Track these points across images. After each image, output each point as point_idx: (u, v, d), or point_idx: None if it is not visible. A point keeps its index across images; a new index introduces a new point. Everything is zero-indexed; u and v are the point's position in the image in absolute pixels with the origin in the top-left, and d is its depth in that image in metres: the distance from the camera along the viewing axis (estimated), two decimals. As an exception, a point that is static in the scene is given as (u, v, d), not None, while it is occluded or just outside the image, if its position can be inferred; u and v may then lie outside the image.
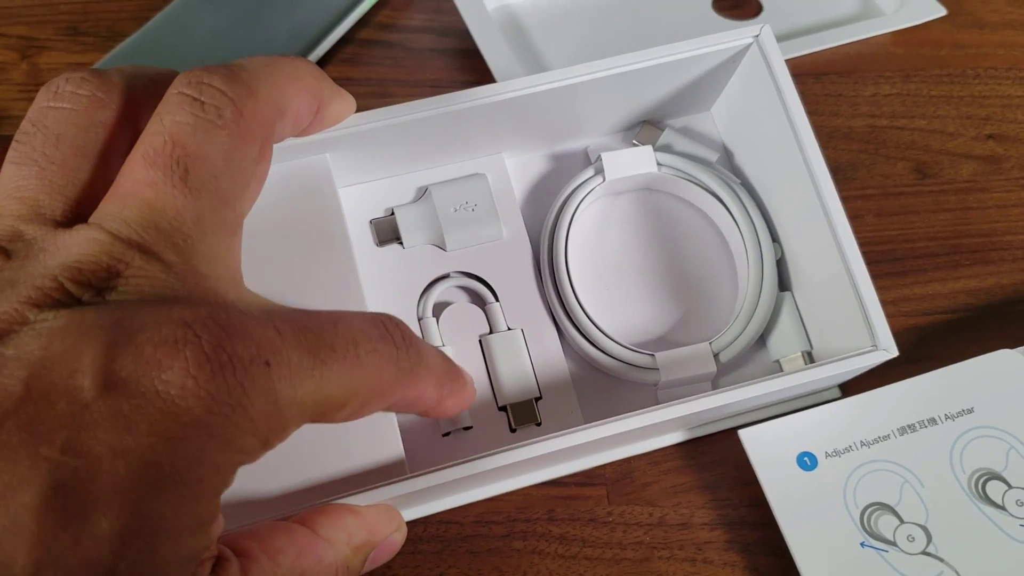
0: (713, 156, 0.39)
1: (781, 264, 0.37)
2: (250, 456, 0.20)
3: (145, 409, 0.18)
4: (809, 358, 0.36)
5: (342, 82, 0.49)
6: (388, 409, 0.24)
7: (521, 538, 0.34)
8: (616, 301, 0.38)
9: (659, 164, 0.38)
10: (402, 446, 0.31)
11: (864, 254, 0.41)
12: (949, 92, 0.48)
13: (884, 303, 0.40)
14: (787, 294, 0.37)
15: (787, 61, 0.49)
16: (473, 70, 0.49)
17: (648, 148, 0.38)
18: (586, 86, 0.35)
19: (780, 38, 0.51)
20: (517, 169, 0.39)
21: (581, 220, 0.39)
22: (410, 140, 0.35)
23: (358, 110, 0.31)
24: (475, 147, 0.38)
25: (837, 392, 0.37)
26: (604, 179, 0.38)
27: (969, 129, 0.47)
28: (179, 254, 0.21)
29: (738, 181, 0.38)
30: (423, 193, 0.37)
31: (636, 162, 0.38)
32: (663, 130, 0.39)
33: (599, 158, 0.38)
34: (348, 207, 0.37)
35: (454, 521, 0.34)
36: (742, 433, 0.34)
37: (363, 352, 0.22)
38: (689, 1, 0.53)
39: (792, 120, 0.34)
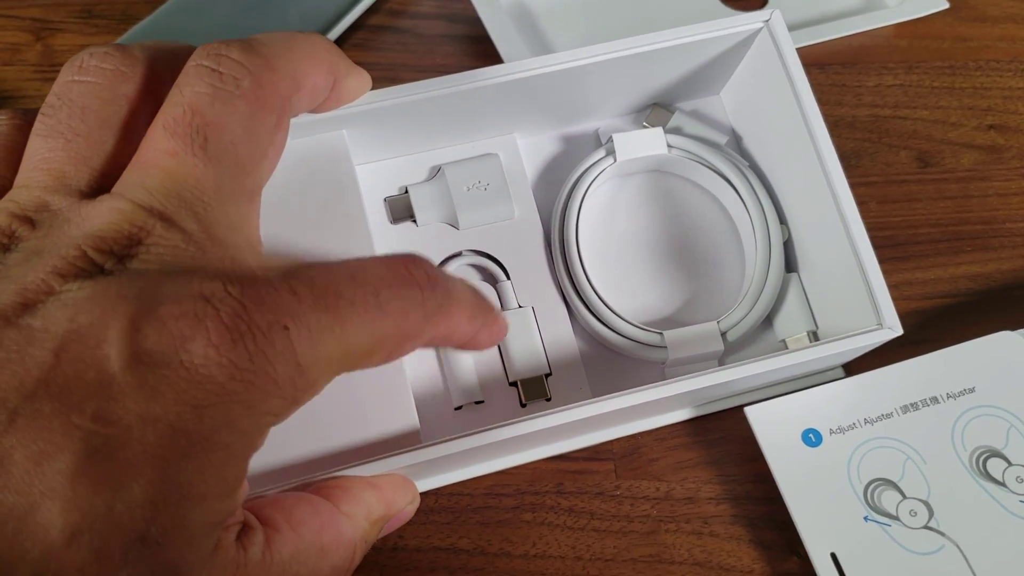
0: (722, 139, 0.40)
1: (788, 246, 0.38)
2: (278, 416, 0.21)
3: (171, 379, 0.19)
4: (814, 338, 0.37)
5: (353, 67, 0.50)
6: (425, 346, 0.24)
7: (530, 510, 0.35)
8: (625, 280, 0.38)
9: (669, 146, 0.39)
10: (417, 417, 0.31)
11: (867, 240, 0.42)
12: (951, 83, 0.49)
13: (887, 287, 0.41)
14: (793, 275, 0.37)
15: (792, 51, 0.50)
16: (483, 56, 0.50)
17: (659, 130, 0.39)
18: (596, 67, 0.35)
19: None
20: (529, 150, 0.40)
21: (592, 200, 0.39)
22: (423, 119, 0.36)
23: (371, 92, 0.31)
24: (488, 127, 0.38)
25: (841, 372, 0.38)
26: (615, 160, 0.38)
27: (971, 120, 0.47)
28: (199, 222, 0.22)
29: (747, 164, 0.39)
30: (436, 172, 0.38)
31: (647, 144, 0.38)
32: (673, 113, 0.40)
33: (610, 139, 0.38)
34: (363, 184, 0.37)
35: (465, 493, 0.35)
36: (748, 410, 0.35)
37: (385, 300, 0.22)
38: (696, -8, 0.54)
39: (802, 104, 0.35)
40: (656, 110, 0.40)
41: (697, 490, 0.35)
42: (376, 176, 0.38)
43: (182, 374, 0.19)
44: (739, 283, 0.38)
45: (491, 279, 0.37)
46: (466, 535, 0.34)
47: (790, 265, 0.38)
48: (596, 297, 0.36)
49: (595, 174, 0.38)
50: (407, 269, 0.23)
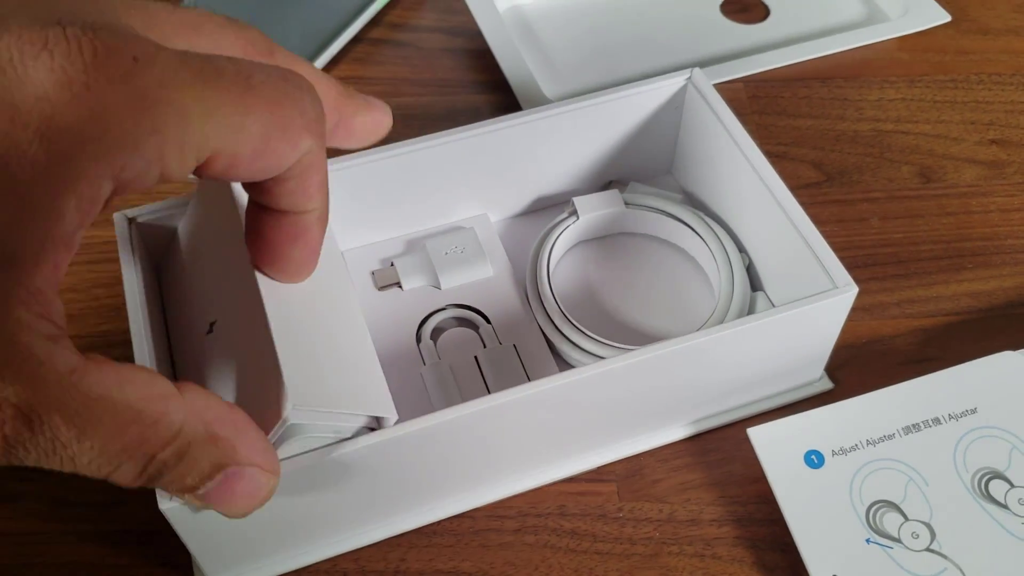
0: (676, 198, 0.42)
1: (751, 269, 0.40)
2: (124, 152, 0.20)
3: (9, 91, 0.19)
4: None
5: (354, 81, 0.50)
6: (289, 171, 0.24)
7: (533, 533, 0.35)
8: (601, 319, 0.40)
9: (627, 203, 0.41)
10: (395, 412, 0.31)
11: (868, 256, 0.42)
12: (953, 97, 0.49)
13: (888, 305, 0.41)
14: (760, 293, 0.39)
15: (794, 65, 0.50)
16: (483, 70, 0.50)
17: (615, 191, 0.42)
18: (545, 124, 0.39)
19: (787, 42, 0.51)
20: (500, 227, 0.43)
21: (562, 261, 0.41)
22: (398, 189, 0.39)
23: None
24: (461, 205, 0.42)
25: (828, 383, 0.38)
26: (578, 218, 0.41)
27: (973, 134, 0.47)
28: None
29: (702, 213, 0.41)
30: (416, 245, 0.41)
31: (605, 202, 0.41)
32: (627, 184, 0.43)
33: (572, 202, 0.41)
34: (349, 259, 0.41)
35: (466, 515, 0.35)
36: (751, 431, 0.35)
37: (258, 83, 0.22)
38: (698, 4, 0.54)
39: (738, 143, 0.38)
40: (613, 185, 0.43)
41: (700, 512, 0.35)
42: (362, 255, 0.41)
43: (29, 90, 0.19)
44: (711, 307, 0.39)
45: (473, 325, 0.39)
46: (468, 558, 0.34)
47: (755, 286, 0.40)
48: (570, 324, 0.37)
49: (561, 230, 0.40)
50: (290, 72, 0.23)
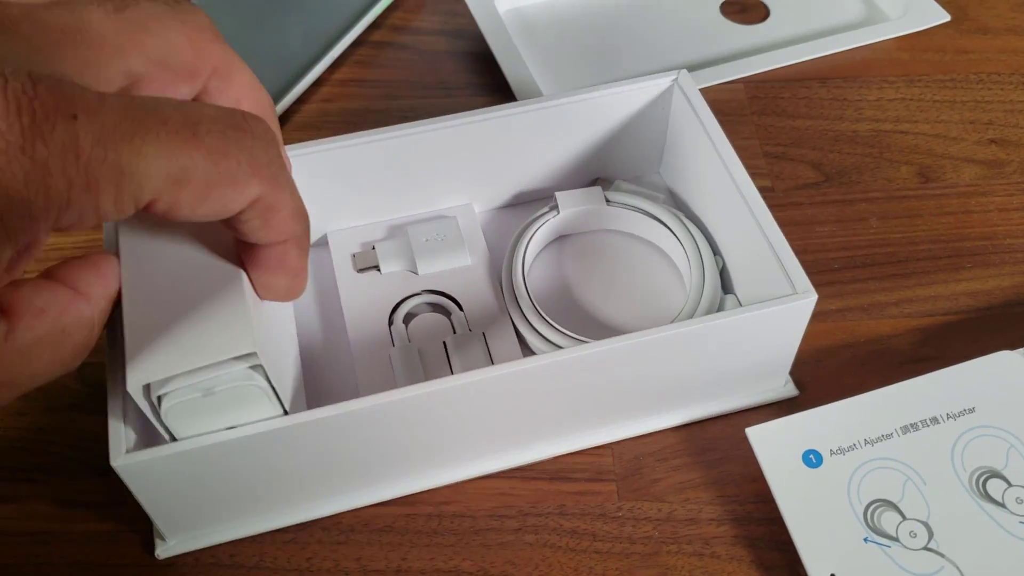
0: (659, 197, 0.42)
1: (724, 273, 0.40)
2: (57, 209, 0.20)
3: None
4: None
5: (355, 84, 0.50)
6: (244, 215, 0.24)
7: (533, 532, 0.35)
8: (571, 312, 0.40)
9: (608, 201, 0.42)
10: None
11: (867, 256, 0.43)
12: (952, 97, 0.49)
13: (886, 304, 0.41)
14: (731, 296, 0.39)
15: (793, 66, 0.50)
16: (484, 72, 0.50)
17: (597, 188, 0.42)
18: (532, 117, 0.40)
19: (786, 43, 0.52)
20: (483, 218, 0.44)
21: (539, 255, 0.42)
22: (381, 178, 0.40)
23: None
24: (446, 193, 0.42)
25: (793, 389, 0.38)
26: (558, 212, 0.41)
27: (972, 134, 0.48)
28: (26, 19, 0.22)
29: (682, 215, 0.41)
30: (398, 231, 0.42)
31: (587, 198, 0.42)
32: (613, 182, 0.43)
33: (554, 196, 0.41)
34: (332, 242, 0.42)
35: (467, 515, 0.35)
36: (749, 431, 0.35)
37: (203, 132, 0.22)
38: (697, 5, 0.54)
39: (717, 147, 0.38)
40: (599, 182, 0.43)
41: (699, 511, 0.35)
42: (345, 238, 0.42)
43: None
44: (681, 305, 0.40)
45: (444, 311, 0.40)
46: (469, 557, 0.34)
47: (727, 288, 0.40)
48: (540, 317, 0.38)
49: (541, 223, 0.41)
50: (243, 118, 0.23)
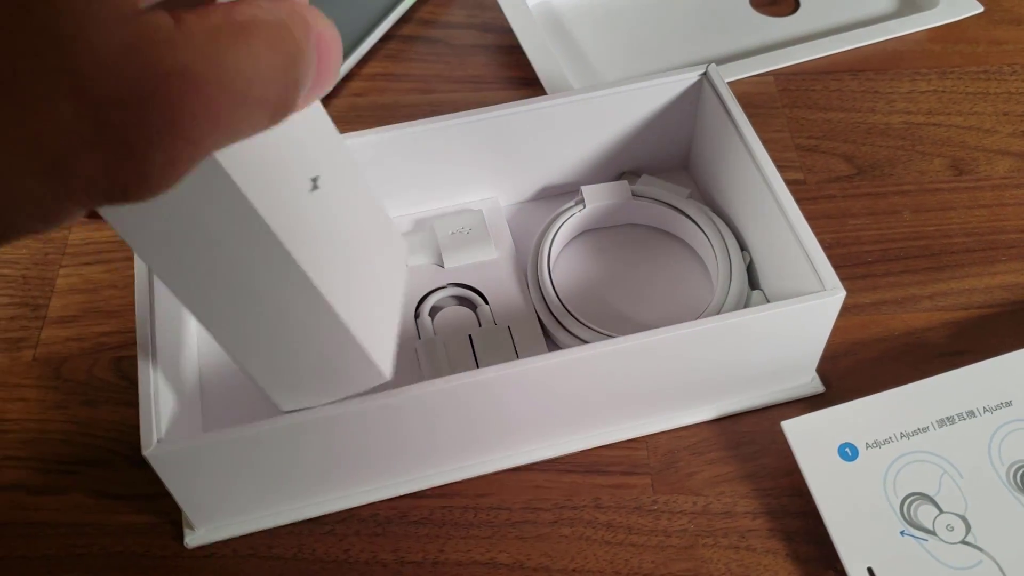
0: (684, 192, 0.42)
1: (751, 269, 0.40)
2: None
3: None
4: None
5: (386, 78, 0.50)
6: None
7: (569, 525, 0.35)
8: (598, 308, 0.40)
9: (634, 195, 0.42)
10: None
11: (901, 249, 0.42)
12: (985, 88, 0.49)
13: (920, 298, 0.41)
14: (758, 291, 0.39)
15: (824, 58, 0.50)
16: (515, 66, 0.50)
17: (624, 182, 0.42)
18: (562, 110, 0.40)
19: (817, 35, 0.51)
20: (510, 211, 0.44)
21: (566, 247, 0.42)
22: (408, 170, 0.40)
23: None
24: (472, 187, 0.42)
25: (820, 386, 0.38)
26: (584, 207, 0.41)
27: (1005, 125, 0.47)
28: None
29: (708, 209, 0.41)
30: (424, 224, 0.42)
31: (613, 193, 0.42)
32: (639, 176, 0.43)
33: (580, 190, 0.42)
34: None
35: (503, 507, 0.35)
36: (785, 424, 0.35)
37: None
38: (726, -2, 0.54)
39: (746, 141, 0.38)
40: (625, 176, 0.43)
41: (734, 504, 0.35)
42: None
43: None
44: (707, 301, 0.40)
45: (471, 305, 0.40)
46: (505, 550, 0.34)
47: (754, 284, 0.40)
48: (565, 311, 0.38)
49: (567, 217, 0.41)
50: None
